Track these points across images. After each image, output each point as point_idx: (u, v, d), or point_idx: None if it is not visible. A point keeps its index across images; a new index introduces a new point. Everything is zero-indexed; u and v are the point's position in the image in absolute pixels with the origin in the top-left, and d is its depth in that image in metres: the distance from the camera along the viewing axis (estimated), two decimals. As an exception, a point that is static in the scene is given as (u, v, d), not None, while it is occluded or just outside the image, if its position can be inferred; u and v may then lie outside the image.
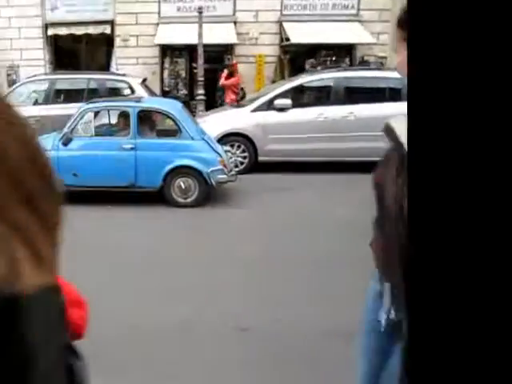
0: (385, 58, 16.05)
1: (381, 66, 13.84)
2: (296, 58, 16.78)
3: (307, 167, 9.65)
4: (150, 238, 6.11)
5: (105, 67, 16.69)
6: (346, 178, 9.01)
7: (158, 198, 7.41)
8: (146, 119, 7.69)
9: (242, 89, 14.32)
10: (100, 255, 5.46)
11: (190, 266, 5.18)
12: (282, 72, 15.72)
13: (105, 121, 8.12)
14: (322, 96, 10.39)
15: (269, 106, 9.75)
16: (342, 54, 16.56)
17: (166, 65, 15.09)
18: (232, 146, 9.12)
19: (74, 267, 1.79)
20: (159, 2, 15.33)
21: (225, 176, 7.39)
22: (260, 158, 9.67)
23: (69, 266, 0.85)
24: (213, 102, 13.95)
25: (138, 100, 7.53)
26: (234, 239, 6.11)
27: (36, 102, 10.41)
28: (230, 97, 12.85)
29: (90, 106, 7.46)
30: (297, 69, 16.65)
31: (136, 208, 7.27)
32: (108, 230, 6.36)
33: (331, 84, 10.04)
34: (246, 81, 15.38)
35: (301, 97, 10.54)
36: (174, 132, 7.78)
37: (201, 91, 12.17)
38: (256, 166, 9.59)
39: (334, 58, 16.63)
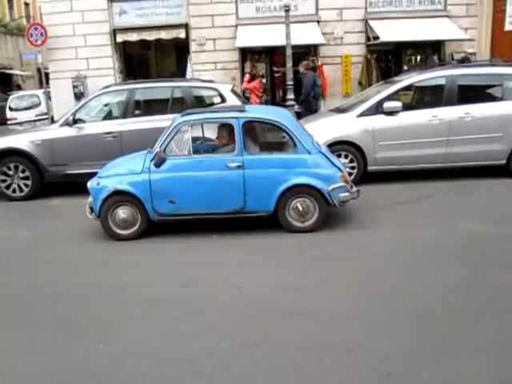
0: (474, 54, 14.78)
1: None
2: (381, 57, 15.66)
3: (418, 175, 8.79)
4: (275, 273, 5.10)
5: (176, 74, 16.02)
6: (464, 184, 8.35)
7: (270, 222, 6.41)
8: (251, 132, 6.69)
9: (265, 90, 14.17)
10: (213, 299, 4.50)
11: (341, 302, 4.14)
12: (369, 72, 14.55)
13: (197, 135, 7.12)
14: (434, 96, 9.14)
15: (376, 109, 8.63)
16: (430, 51, 15.31)
17: (247, 69, 14.14)
18: (339, 155, 8.03)
19: None
20: (236, 2, 14.45)
21: (348, 194, 6.31)
22: (369, 168, 8.62)
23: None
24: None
25: (242, 109, 6.51)
26: (373, 268, 5.06)
27: (111, 116, 9.56)
28: (254, 100, 12.79)
29: (186, 118, 6.45)
30: (384, 69, 15.55)
31: (247, 236, 6.29)
32: (218, 266, 5.41)
33: (443, 82, 8.80)
34: (331, 83, 14.33)
35: (411, 98, 9.33)
36: (282, 145, 6.77)
37: (291, 96, 11.13)
38: (366, 176, 8.50)
39: (422, 56, 15.46)
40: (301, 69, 12.91)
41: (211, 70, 14.26)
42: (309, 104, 12.17)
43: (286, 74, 13.00)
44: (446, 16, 14.50)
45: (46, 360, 3.72)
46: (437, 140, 8.44)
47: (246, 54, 14.64)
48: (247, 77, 13.25)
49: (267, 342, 3.79)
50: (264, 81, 14.81)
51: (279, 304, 4.41)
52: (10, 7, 36.76)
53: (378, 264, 5.25)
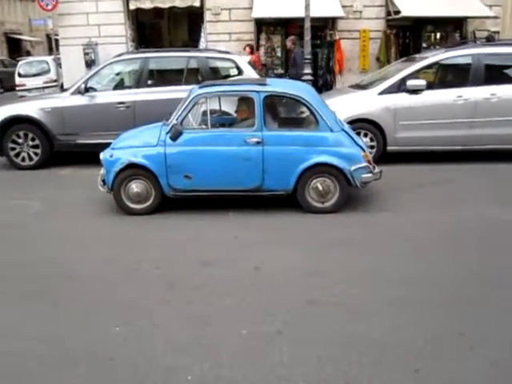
0: (497, 32, 14.37)
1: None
2: (400, 33, 15.21)
3: (438, 156, 8.55)
4: (294, 255, 4.89)
5: (189, 44, 15.61)
6: (487, 168, 8.08)
7: (289, 202, 6.19)
8: (271, 107, 6.42)
9: (264, 65, 13.92)
10: (231, 281, 4.30)
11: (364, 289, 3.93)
12: (387, 48, 14.15)
13: (215, 108, 6.84)
14: (460, 75, 8.81)
15: (399, 87, 8.33)
16: (451, 28, 14.87)
17: (262, 41, 13.76)
18: (358, 133, 7.75)
19: None
20: (253, -29, 13.97)
21: (370, 175, 6.07)
22: (389, 148, 8.36)
23: None
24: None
25: (263, 83, 6.21)
26: (396, 253, 4.85)
27: (124, 86, 9.26)
28: None
29: (205, 90, 6.16)
30: (402, 45, 15.13)
31: (264, 215, 6.07)
32: (235, 245, 5.21)
33: (470, 61, 8.46)
34: (348, 58, 13.96)
35: (435, 77, 9.00)
36: (303, 122, 6.51)
37: (308, 70, 10.76)
38: (385, 156, 8.24)
39: (442, 33, 15.02)
40: (288, 43, 12.44)
41: (225, 41, 13.91)
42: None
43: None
44: (470, -8, 14.00)
45: (62, 344, 3.54)
46: (461, 121, 8.17)
47: (262, 25, 14.23)
48: (247, 50, 12.78)
49: (289, 331, 3.60)
50: (279, 54, 14.45)
51: (300, 289, 4.21)
52: (20, -29, 36.14)
53: (402, 248, 5.05)
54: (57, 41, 15.30)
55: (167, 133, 6.05)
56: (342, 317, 3.77)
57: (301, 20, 11.57)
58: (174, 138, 6.00)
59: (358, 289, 4.19)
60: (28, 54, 28.61)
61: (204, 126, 6.12)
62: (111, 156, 6.15)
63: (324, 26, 14.27)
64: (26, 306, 4.08)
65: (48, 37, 30.23)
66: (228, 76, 8.79)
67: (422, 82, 8.23)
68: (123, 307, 3.97)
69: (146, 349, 3.44)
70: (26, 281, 4.51)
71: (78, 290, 4.32)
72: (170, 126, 6.05)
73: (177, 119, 6.05)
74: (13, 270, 4.75)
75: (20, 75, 17.77)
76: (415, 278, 4.36)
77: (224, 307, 3.93)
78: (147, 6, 14.43)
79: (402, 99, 8.26)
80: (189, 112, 6.07)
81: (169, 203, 6.30)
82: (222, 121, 6.68)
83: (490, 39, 12.07)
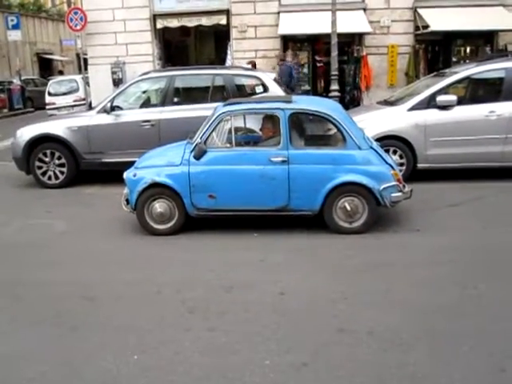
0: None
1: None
2: (428, 48, 14.99)
3: (469, 174, 8.21)
4: (322, 279, 4.70)
5: (215, 62, 15.66)
6: None
7: (315, 222, 6.01)
8: (297, 124, 6.27)
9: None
10: (256, 306, 4.12)
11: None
12: (416, 64, 13.93)
13: (239, 126, 6.72)
14: (492, 90, 8.55)
15: (429, 103, 8.09)
16: (481, 42, 14.60)
17: (288, 58, 13.67)
18: (387, 151, 7.53)
19: None
20: (279, -12, 13.97)
21: (400, 194, 5.85)
22: (419, 165, 8.11)
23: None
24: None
25: (289, 100, 6.08)
26: (429, 278, 4.60)
27: (149, 104, 9.22)
28: None
29: (230, 108, 6.06)
30: (431, 60, 14.90)
31: (290, 236, 5.89)
32: (260, 268, 5.04)
33: (503, 75, 8.20)
34: (376, 74, 13.78)
35: (466, 92, 8.74)
36: (330, 139, 6.34)
37: (335, 87, 10.63)
38: (414, 173, 8.00)
39: (472, 47, 14.76)
40: (278, 61, 12.62)
41: (251, 58, 13.86)
42: None
43: (328, 64, 12.59)
44: (501, 5, 13.77)
45: (77, 370, 3.42)
46: (494, 137, 7.88)
47: (288, 42, 14.19)
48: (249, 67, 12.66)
49: (316, 363, 3.40)
50: (306, 70, 14.36)
51: (328, 316, 4.01)
52: (52, -7, 37.07)
53: (434, 273, 4.80)
54: (85, 60, 15.52)
55: (191, 151, 5.95)
56: (375, 347, 3.55)
57: (327, 36, 11.49)
58: (198, 156, 5.89)
59: (390, 316, 3.97)
60: (61, 73, 29.13)
61: (228, 145, 6.00)
62: (134, 175, 6.08)
63: (351, 42, 14.16)
64: (43, 329, 3.98)
65: (77, 56, 30.83)
66: (254, 93, 8.69)
67: (452, 98, 7.98)
68: (143, 334, 3.83)
69: (166, 379, 3.28)
70: (45, 302, 4.42)
71: (98, 313, 4.21)
72: (194, 144, 5.95)
73: (201, 138, 5.95)
74: (33, 290, 4.67)
75: (50, 94, 18.01)
76: (448, 307, 4.11)
77: (247, 335, 3.76)
78: (174, 24, 14.57)
79: (432, 115, 8.02)
80: (213, 130, 5.97)
81: (193, 223, 6.18)
82: (247, 139, 6.55)
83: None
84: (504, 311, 4.02)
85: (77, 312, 4.24)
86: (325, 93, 13.19)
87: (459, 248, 5.39)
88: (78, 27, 14.34)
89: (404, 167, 7.97)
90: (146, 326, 3.94)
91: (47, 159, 8.73)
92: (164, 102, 8.79)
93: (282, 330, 3.80)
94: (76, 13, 14.34)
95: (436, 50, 15.41)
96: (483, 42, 14.58)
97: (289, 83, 11.61)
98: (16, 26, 23.80)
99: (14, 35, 23.98)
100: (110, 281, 4.85)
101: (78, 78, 18.19)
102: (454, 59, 14.51)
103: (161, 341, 3.72)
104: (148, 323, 3.99)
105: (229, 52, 14.40)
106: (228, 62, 14.10)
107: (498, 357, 3.40)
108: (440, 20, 13.04)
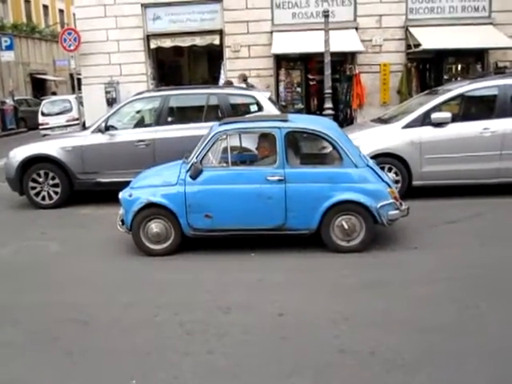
0: (520, 63, 14.16)
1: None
2: (420, 66, 15.12)
3: (465, 191, 8.24)
4: (321, 299, 4.64)
5: (209, 81, 15.71)
6: None
7: (312, 241, 5.97)
8: (293, 143, 6.27)
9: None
10: (255, 328, 4.05)
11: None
12: (409, 82, 14.03)
13: (235, 145, 6.69)
14: (486, 107, 8.61)
15: (423, 120, 8.13)
16: (472, 59, 14.74)
17: (282, 77, 13.76)
18: (382, 168, 7.51)
19: None
20: (272, 8, 14.08)
21: (397, 211, 5.83)
22: (414, 182, 8.12)
23: None
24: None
25: (285, 119, 6.09)
26: (429, 297, 4.54)
27: (144, 124, 9.19)
28: None
29: (225, 127, 6.04)
30: (423, 78, 15.02)
31: (287, 255, 5.84)
32: (258, 288, 4.98)
33: (496, 93, 8.26)
34: (369, 92, 13.86)
35: (459, 109, 8.79)
36: (326, 157, 6.33)
37: (329, 105, 10.67)
38: (410, 191, 8.01)
39: (464, 65, 14.89)
40: (239, 80, 12.60)
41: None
42: None
43: (321, 82, 12.65)
44: (491, 23, 13.94)
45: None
46: (489, 154, 7.92)
47: (281, 61, 14.27)
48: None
49: (319, 385, 3.34)
50: (299, 89, 14.43)
51: (329, 336, 3.96)
52: (46, 14, 37.29)
53: (434, 291, 4.76)
54: (79, 80, 15.53)
55: (187, 171, 5.91)
56: (377, 368, 3.50)
57: (320, 55, 11.57)
58: (194, 176, 5.86)
59: (391, 336, 3.92)
60: (54, 94, 29.16)
61: (224, 164, 5.98)
62: (130, 195, 6.03)
63: (343, 61, 14.25)
64: (38, 355, 3.90)
65: (71, 76, 30.89)
66: (248, 112, 8.70)
67: (447, 115, 8.03)
68: (140, 357, 3.76)
69: (165, 405, 3.21)
70: (40, 326, 4.34)
71: (94, 337, 4.13)
72: (190, 164, 5.92)
73: (197, 157, 5.92)
74: (27, 313, 4.59)
75: (43, 114, 17.99)
76: (449, 326, 4.07)
77: (247, 358, 3.69)
78: (167, 44, 14.63)
79: (427, 133, 8.06)
80: (209, 150, 5.94)
81: (189, 243, 6.13)
82: (243, 158, 6.54)
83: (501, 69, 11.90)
84: (506, 330, 3.98)
85: (72, 336, 4.16)
86: (318, 111, 13.26)
87: (458, 265, 5.35)
88: (72, 47, 14.37)
89: (399, 184, 7.96)
90: (144, 350, 3.86)
91: (41, 179, 8.66)
92: (158, 121, 8.77)
93: (283, 352, 3.74)
94: (70, 33, 14.37)
95: (428, 68, 15.54)
96: (474, 60, 14.70)
97: None
98: (9, 47, 23.86)
99: (8, 56, 24.04)
100: (106, 303, 4.78)
101: (72, 97, 18.21)
102: (445, 77, 14.62)
103: (159, 364, 3.65)
104: (146, 346, 3.91)
105: (222, 71, 14.44)
106: (221, 82, 14.13)
107: (502, 377, 3.35)
108: (431, 38, 13.17)
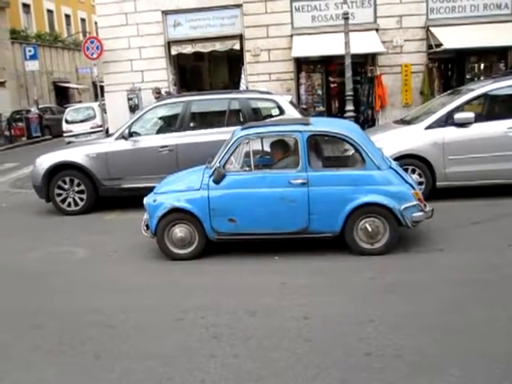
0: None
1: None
2: (442, 66, 14.97)
3: (490, 191, 8.12)
4: (346, 302, 4.63)
5: (230, 86, 15.80)
6: None
7: (337, 244, 5.96)
8: (315, 146, 6.27)
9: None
10: (280, 332, 4.05)
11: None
12: (430, 82, 13.91)
13: (257, 149, 6.70)
14: (510, 106, 8.50)
15: (446, 121, 8.05)
16: (495, 58, 14.55)
17: (302, 80, 13.77)
18: (405, 170, 7.47)
19: None
20: (291, 11, 14.11)
21: (421, 213, 5.78)
22: (438, 183, 8.05)
23: None
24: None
25: (306, 123, 6.09)
26: (456, 299, 4.49)
27: (167, 129, 9.19)
28: None
29: (248, 132, 6.07)
30: (445, 78, 14.87)
31: (311, 259, 5.84)
32: (282, 291, 4.99)
33: (520, 92, 8.16)
34: (390, 93, 13.79)
35: (483, 108, 8.69)
36: (348, 160, 6.31)
37: (350, 107, 10.64)
38: (434, 192, 7.94)
39: (486, 64, 14.70)
40: (153, 94, 12.89)
41: (266, 81, 14.00)
42: None
43: (342, 85, 12.64)
44: (514, 20, 13.73)
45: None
46: (513, 153, 7.80)
47: (301, 64, 14.29)
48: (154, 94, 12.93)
49: (346, 388, 3.34)
50: (319, 92, 14.42)
51: (354, 340, 3.94)
52: (68, 23, 37.92)
53: (461, 293, 4.71)
54: (102, 87, 15.75)
55: (210, 176, 5.96)
56: (404, 371, 3.47)
57: (341, 57, 11.55)
58: (217, 181, 5.90)
59: (417, 338, 3.89)
60: (79, 102, 29.62)
61: (247, 168, 6.00)
62: (154, 201, 6.10)
63: (364, 62, 14.22)
64: (66, 358, 3.96)
65: (94, 84, 31.34)
66: (270, 116, 8.72)
67: (470, 115, 7.94)
68: (167, 361, 3.80)
69: (192, 408, 3.24)
70: (67, 330, 4.41)
71: (121, 341, 4.18)
72: (213, 169, 5.96)
73: (219, 162, 5.96)
74: (54, 318, 4.67)
75: (67, 121, 18.28)
76: (477, 328, 4.03)
77: (272, 361, 3.70)
78: (188, 50, 14.76)
79: (450, 133, 7.98)
80: (232, 154, 5.98)
81: (213, 248, 6.17)
82: (266, 162, 6.55)
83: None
84: (535, 332, 3.92)
85: (99, 340, 4.22)
86: (339, 113, 13.23)
87: (484, 267, 5.29)
88: (95, 56, 14.59)
89: (423, 186, 7.89)
90: (171, 353, 3.90)
91: (66, 186, 8.81)
92: (181, 127, 8.83)
93: (308, 356, 3.74)
94: (92, 42, 14.61)
95: (450, 68, 15.39)
96: (497, 59, 14.52)
97: None
98: (33, 57, 24.30)
99: (32, 65, 24.48)
100: (131, 307, 4.83)
101: (95, 105, 18.47)
102: (467, 76, 14.46)
103: (186, 368, 3.68)
104: (172, 350, 3.95)
105: (243, 76, 14.51)
106: (242, 86, 14.19)
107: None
108: (453, 38, 13.04)
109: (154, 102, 10.85)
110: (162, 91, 13.54)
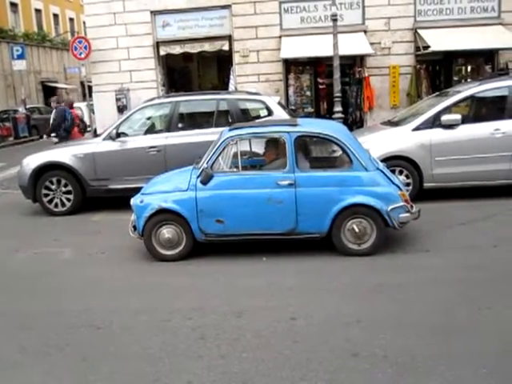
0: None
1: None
2: (429, 67, 15.06)
3: (477, 192, 8.21)
4: (333, 302, 4.65)
5: (219, 87, 15.78)
6: None
7: (324, 244, 5.97)
8: (303, 147, 6.29)
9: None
10: (267, 332, 4.05)
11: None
12: (418, 84, 13.99)
13: (245, 150, 6.71)
14: (497, 108, 8.56)
15: (434, 123, 8.11)
16: (481, 60, 14.67)
17: (291, 81, 13.79)
18: (393, 171, 7.50)
19: None
20: (280, 13, 14.12)
21: (408, 214, 5.82)
22: (425, 185, 8.12)
23: None
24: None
25: (294, 124, 6.11)
26: (442, 299, 4.51)
27: (155, 130, 9.25)
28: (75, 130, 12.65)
29: (235, 133, 6.06)
30: (433, 80, 14.96)
31: (299, 259, 5.86)
32: (269, 292, 4.99)
33: (507, 93, 8.23)
34: (378, 94, 13.84)
35: (469, 110, 8.76)
36: (335, 161, 6.34)
37: (338, 108, 10.68)
38: (421, 193, 8.00)
39: (473, 66, 14.82)
40: (52, 104, 12.74)
41: (254, 82, 13.99)
42: (62, 136, 11.39)
43: (330, 86, 12.66)
44: (500, 24, 13.87)
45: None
46: (500, 155, 7.88)
47: (290, 65, 14.30)
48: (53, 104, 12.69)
49: (332, 388, 3.34)
50: (308, 93, 14.45)
51: (342, 340, 3.96)
52: (56, 23, 37.65)
53: (447, 293, 4.74)
54: (90, 87, 15.66)
55: (198, 177, 5.95)
56: (391, 371, 3.49)
57: (329, 59, 11.60)
58: (205, 181, 5.89)
59: (404, 339, 3.91)
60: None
61: (235, 169, 6.00)
62: (141, 201, 6.07)
63: (352, 64, 14.27)
64: (53, 360, 3.93)
65: (82, 84, 31.12)
66: (258, 117, 8.73)
67: (457, 117, 8.01)
68: (154, 362, 3.78)
69: (179, 409, 3.23)
70: (53, 332, 4.38)
71: (108, 342, 4.16)
72: (201, 169, 5.96)
73: (207, 163, 5.95)
74: (40, 320, 4.64)
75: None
76: (463, 328, 4.06)
77: (260, 362, 3.70)
78: (177, 51, 14.71)
79: (437, 135, 8.04)
80: (219, 155, 5.97)
81: (201, 249, 6.16)
82: (253, 163, 6.55)
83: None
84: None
85: (86, 341, 4.19)
86: (328, 114, 13.28)
87: (470, 267, 5.34)
88: (83, 55, 14.50)
89: (410, 187, 7.95)
90: (158, 355, 3.89)
91: (53, 187, 8.75)
92: (169, 127, 8.81)
93: (296, 356, 3.75)
94: (80, 41, 14.52)
95: (437, 70, 15.48)
96: (484, 61, 14.63)
97: (63, 124, 11.45)
98: (21, 56, 24.11)
99: (19, 65, 24.28)
100: (118, 309, 4.81)
101: (83, 105, 18.36)
102: (455, 78, 14.55)
103: (173, 369, 3.67)
104: (159, 351, 3.93)
105: (232, 77, 14.49)
106: (231, 87, 14.19)
107: (518, 380, 3.33)
108: (440, 40, 13.13)
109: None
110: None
